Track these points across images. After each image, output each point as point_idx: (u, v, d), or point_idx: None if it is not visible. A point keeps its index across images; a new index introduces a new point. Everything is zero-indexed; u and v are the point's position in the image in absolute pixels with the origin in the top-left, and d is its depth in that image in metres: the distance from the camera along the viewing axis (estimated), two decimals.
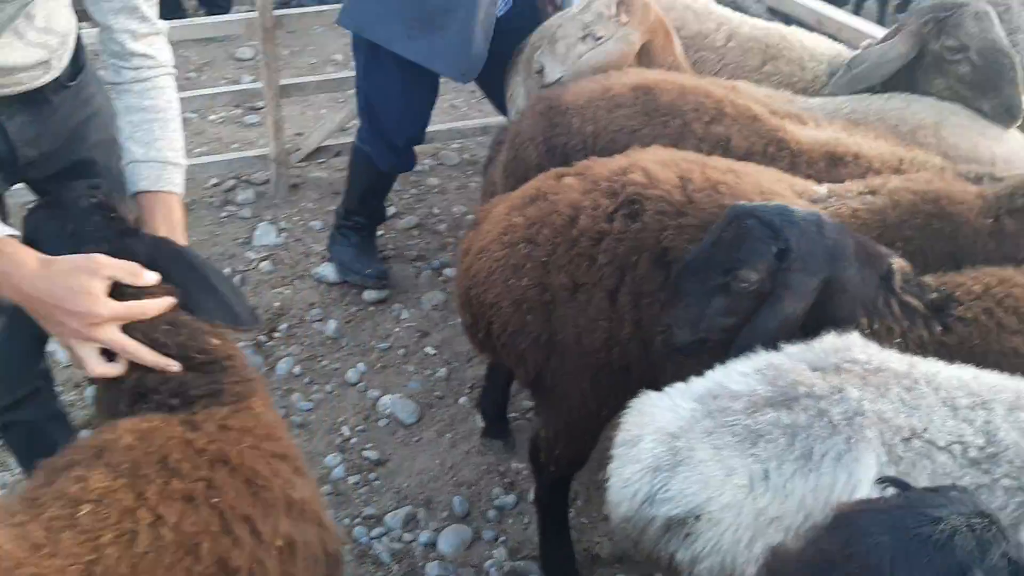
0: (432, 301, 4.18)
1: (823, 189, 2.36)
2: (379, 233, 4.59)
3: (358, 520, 3.18)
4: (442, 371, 3.81)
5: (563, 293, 2.38)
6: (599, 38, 3.11)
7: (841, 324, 1.88)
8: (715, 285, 2.02)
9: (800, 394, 1.63)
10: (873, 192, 2.31)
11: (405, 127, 3.87)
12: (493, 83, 3.81)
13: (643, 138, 2.68)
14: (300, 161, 4.96)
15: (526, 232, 2.41)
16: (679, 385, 1.81)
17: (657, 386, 2.16)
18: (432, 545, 3.09)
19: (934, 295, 2.03)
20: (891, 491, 1.29)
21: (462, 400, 3.68)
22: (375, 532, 3.14)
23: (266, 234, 4.57)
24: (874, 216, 2.26)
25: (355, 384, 3.76)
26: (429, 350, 3.93)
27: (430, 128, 4.11)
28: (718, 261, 2.02)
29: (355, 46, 3.79)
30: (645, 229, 2.30)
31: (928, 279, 2.09)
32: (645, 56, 3.23)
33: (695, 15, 3.65)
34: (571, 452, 2.73)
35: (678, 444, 1.63)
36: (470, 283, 2.52)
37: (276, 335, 4.00)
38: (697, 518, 1.58)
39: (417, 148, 4.11)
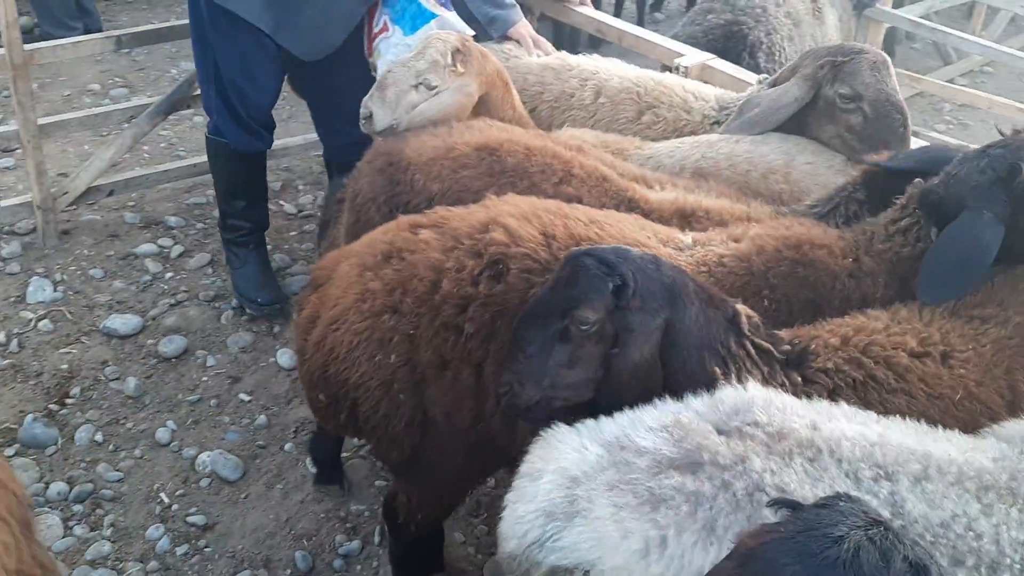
0: (239, 343, 3.97)
1: (688, 238, 2.35)
2: (168, 275, 4.32)
3: None
4: (261, 418, 3.63)
5: (431, 370, 2.24)
6: (433, 87, 2.99)
7: (691, 374, 1.88)
8: (555, 331, 1.93)
9: (705, 461, 1.62)
10: (736, 240, 2.31)
11: (254, 100, 3.77)
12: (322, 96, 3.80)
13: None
14: (68, 205, 4.54)
15: (387, 300, 2.23)
16: (589, 423, 1.77)
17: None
18: None
19: (787, 347, 2.02)
20: (782, 512, 1.35)
21: (287, 446, 3.52)
22: None
23: (40, 289, 4.16)
24: (740, 263, 2.26)
25: (167, 444, 3.50)
26: (243, 396, 3.73)
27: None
28: (555, 304, 1.95)
29: (211, 21, 3.58)
30: (511, 290, 2.19)
31: (780, 333, 2.07)
32: (483, 107, 3.12)
33: (555, 75, 3.53)
34: (436, 514, 2.65)
35: (577, 492, 1.61)
36: (325, 359, 2.28)
37: (69, 401, 3.65)
38: (586, 573, 1.58)
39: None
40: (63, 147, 5.14)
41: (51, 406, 3.63)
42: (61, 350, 3.88)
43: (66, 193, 4.52)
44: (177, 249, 4.53)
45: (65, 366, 3.80)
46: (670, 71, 3.70)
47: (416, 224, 2.36)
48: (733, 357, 1.92)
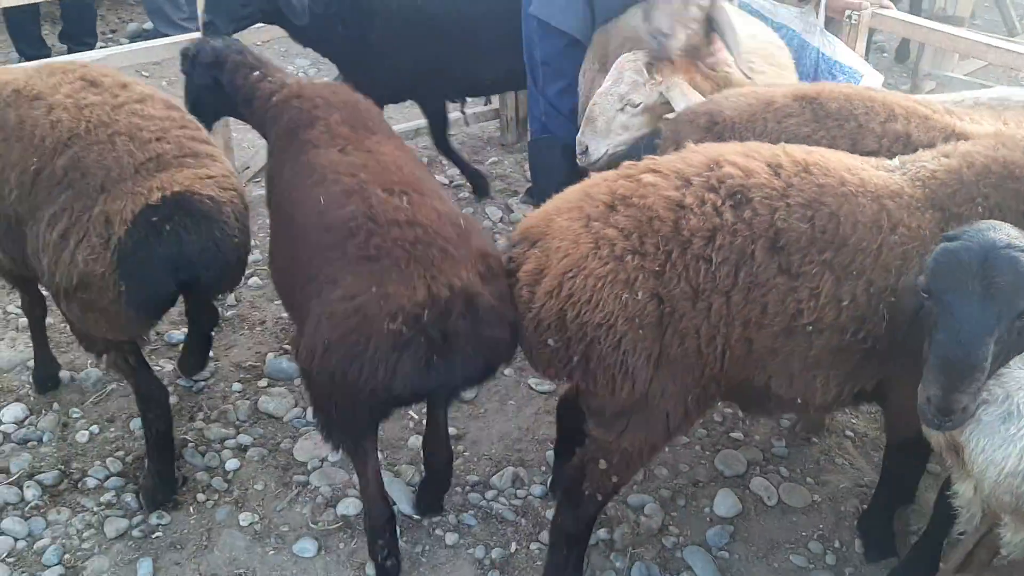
0: None
1: (895, 160, 2.59)
2: None
3: (467, 488, 3.37)
4: None
5: (683, 303, 2.32)
6: (638, 104, 3.28)
7: None
8: (1006, 333, 2.08)
9: None
10: (946, 155, 2.49)
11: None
12: None
13: (818, 142, 2.71)
14: (251, 179, 4.94)
15: (627, 243, 2.32)
16: None
17: (746, 388, 2.47)
18: (545, 496, 3.34)
19: None
20: None
21: (507, 371, 3.92)
22: (488, 495, 3.34)
23: None
24: (951, 175, 2.44)
25: None
26: None
27: None
28: (1005, 309, 2.06)
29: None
30: (756, 215, 2.32)
31: None
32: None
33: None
34: (627, 478, 2.69)
35: None
36: (561, 305, 2.34)
37: None
38: None
39: None
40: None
41: (284, 346, 4.03)
42: (275, 302, 4.27)
43: (247, 168, 4.92)
44: None
45: (284, 315, 4.19)
46: None
47: (628, 174, 2.49)
48: None
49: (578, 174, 4.06)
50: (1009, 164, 2.48)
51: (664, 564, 3.08)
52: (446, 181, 5.42)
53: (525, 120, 5.57)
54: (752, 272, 2.31)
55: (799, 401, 2.53)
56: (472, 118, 5.85)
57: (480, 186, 5.17)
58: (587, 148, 3.42)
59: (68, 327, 3.25)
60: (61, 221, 2.68)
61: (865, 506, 3.23)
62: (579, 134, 3.44)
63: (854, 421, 3.65)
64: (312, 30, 4.38)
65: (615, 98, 3.35)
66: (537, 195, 4.56)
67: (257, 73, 3.35)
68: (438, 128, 4.99)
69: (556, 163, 4.26)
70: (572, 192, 2.56)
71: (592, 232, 2.36)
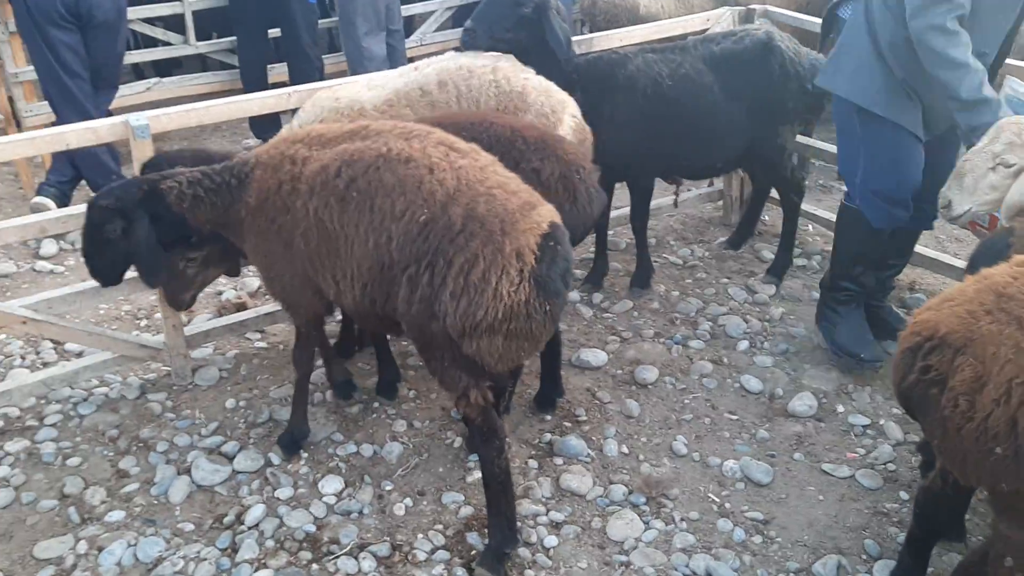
0: (701, 371, 4.44)
1: None
2: None
3: (791, 574, 3.35)
4: (762, 432, 4.06)
5: None
6: (1011, 165, 3.28)
7: None
8: None
9: None
10: None
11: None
12: None
13: None
14: None
15: None
16: None
17: None
18: None
19: None
20: None
21: (798, 456, 3.93)
22: None
23: None
24: None
25: (685, 455, 3.94)
26: (728, 416, 4.17)
27: None
28: None
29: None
30: None
31: None
32: None
33: None
34: None
35: None
36: (1015, 411, 2.35)
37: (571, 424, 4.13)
38: None
39: None
40: None
41: (579, 427, 4.12)
42: None
43: None
44: (598, 296, 5.09)
45: (567, 395, 4.29)
46: None
47: None
48: None
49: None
50: None
51: None
52: (679, 261, 5.51)
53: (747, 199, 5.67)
54: None
55: None
56: (696, 199, 5.96)
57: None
58: (951, 203, 3.42)
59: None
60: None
61: None
62: (944, 188, 3.46)
63: None
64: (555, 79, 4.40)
65: (988, 156, 3.34)
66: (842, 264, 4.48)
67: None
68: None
69: (856, 236, 4.31)
70: (975, 294, 2.54)
71: None
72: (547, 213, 3.06)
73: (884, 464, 3.86)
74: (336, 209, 3.23)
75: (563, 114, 4.09)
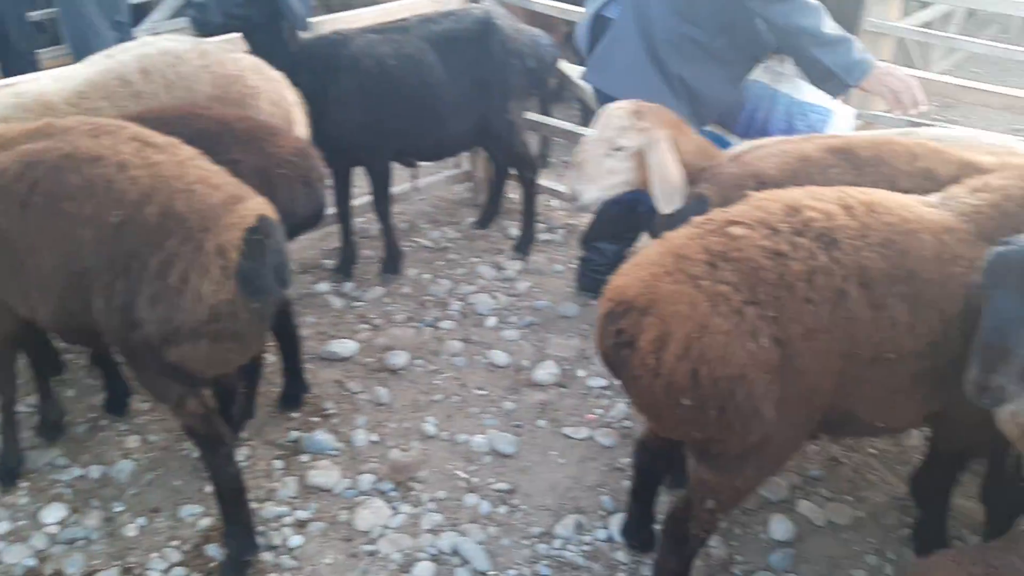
0: (451, 350, 4.48)
1: (933, 198, 2.84)
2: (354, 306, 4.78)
3: (534, 539, 3.45)
4: (508, 404, 4.15)
5: (800, 343, 2.48)
6: (621, 148, 3.41)
7: None
8: None
9: None
10: (982, 190, 2.80)
11: None
12: None
13: None
14: None
15: (742, 295, 2.46)
16: None
17: (838, 417, 2.66)
18: (610, 539, 3.46)
19: None
20: None
21: (541, 423, 4.05)
22: (556, 544, 3.43)
23: None
24: (994, 209, 2.75)
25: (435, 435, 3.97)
26: (477, 392, 4.24)
27: None
28: None
29: None
30: (845, 255, 2.52)
31: None
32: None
33: None
34: (729, 514, 2.90)
35: None
36: (693, 366, 2.44)
37: (331, 412, 4.07)
38: None
39: None
40: None
41: (327, 421, 4.04)
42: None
43: None
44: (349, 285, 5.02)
45: (315, 389, 4.20)
46: None
47: (711, 230, 2.63)
48: None
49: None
50: None
51: None
52: (431, 244, 5.53)
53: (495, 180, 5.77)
54: (848, 308, 2.52)
55: (882, 425, 2.74)
56: (445, 181, 6.00)
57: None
58: (577, 193, 3.53)
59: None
60: None
61: (906, 518, 3.47)
62: (569, 179, 3.57)
63: (874, 440, 3.91)
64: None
65: (602, 143, 3.47)
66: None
67: None
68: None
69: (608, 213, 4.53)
70: (658, 256, 2.63)
71: (704, 291, 2.48)
72: (255, 206, 2.94)
73: (620, 422, 4.04)
74: (18, 217, 2.97)
75: (288, 97, 3.99)
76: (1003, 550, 2.44)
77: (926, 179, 3.03)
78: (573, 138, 5.63)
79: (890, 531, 3.48)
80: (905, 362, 2.61)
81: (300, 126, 4.00)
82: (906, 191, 2.96)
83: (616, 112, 3.50)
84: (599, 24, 4.25)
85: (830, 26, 3.69)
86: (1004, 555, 2.39)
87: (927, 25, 7.84)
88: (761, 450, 2.62)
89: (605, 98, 4.23)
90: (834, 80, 3.74)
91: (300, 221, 3.52)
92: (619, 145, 3.45)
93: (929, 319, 2.59)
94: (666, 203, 3.40)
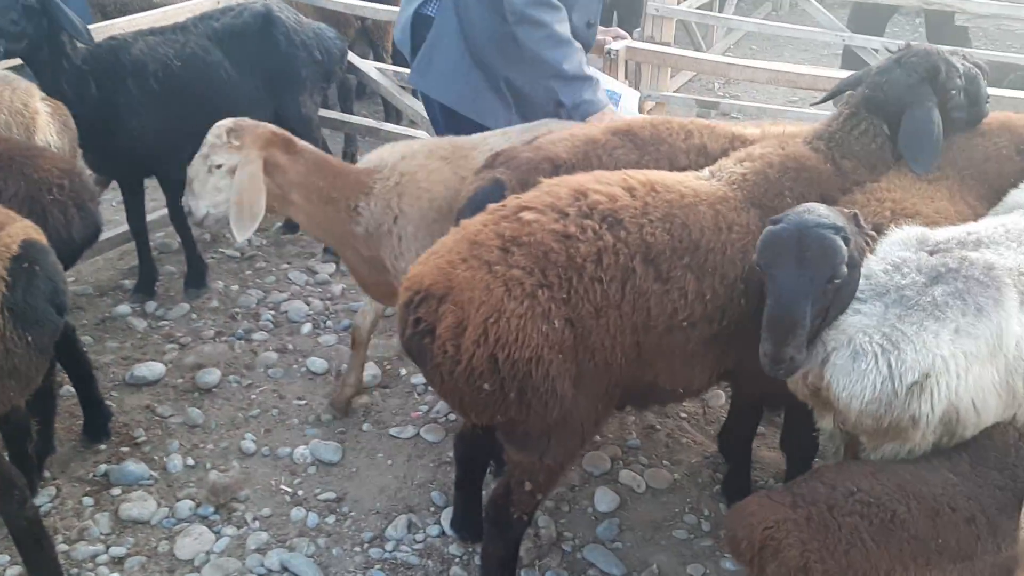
0: (266, 363, 4.35)
1: (705, 172, 3.04)
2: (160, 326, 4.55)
3: (366, 545, 3.41)
4: (326, 415, 4.07)
5: (590, 321, 2.57)
6: (219, 165, 3.37)
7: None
8: (819, 296, 2.44)
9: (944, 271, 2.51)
10: (747, 160, 3.02)
11: None
12: None
13: (645, 167, 3.03)
14: None
15: (533, 279, 2.51)
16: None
17: (639, 387, 2.80)
18: (443, 534, 3.47)
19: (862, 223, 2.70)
20: None
21: (365, 426, 4.00)
22: (388, 547, 3.41)
23: None
24: (759, 176, 2.92)
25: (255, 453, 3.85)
26: (296, 402, 4.14)
27: None
28: (818, 274, 2.44)
29: None
30: (629, 233, 2.63)
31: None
32: (273, 168, 3.39)
33: None
34: (548, 493, 2.90)
35: (885, 331, 2.46)
36: (491, 350, 2.47)
37: (142, 440, 3.86)
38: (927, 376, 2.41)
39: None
40: None
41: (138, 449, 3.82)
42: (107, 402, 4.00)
43: None
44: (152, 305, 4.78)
45: (123, 417, 3.98)
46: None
47: (504, 216, 2.67)
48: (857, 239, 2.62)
49: None
50: (799, 158, 3.03)
51: (571, 567, 3.33)
52: (237, 254, 5.34)
53: None
54: (635, 284, 2.62)
55: (681, 390, 2.89)
56: None
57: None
58: (190, 209, 3.50)
59: None
60: None
61: (719, 474, 3.69)
62: (184, 196, 3.52)
63: (684, 405, 4.12)
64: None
65: (202, 161, 3.44)
66: None
67: None
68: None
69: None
70: (454, 244, 2.66)
71: (498, 276, 2.52)
72: (19, 231, 2.74)
73: (445, 416, 4.06)
74: None
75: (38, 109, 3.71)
76: (805, 481, 2.62)
77: (700, 155, 3.22)
78: (378, 135, 5.61)
79: (704, 488, 3.69)
80: (698, 328, 2.75)
81: (43, 134, 3.71)
82: (684, 167, 3.14)
83: (215, 129, 3.44)
84: (420, 23, 4.12)
85: (574, 64, 3.73)
86: (807, 483, 2.57)
87: (706, 7, 8.31)
88: (564, 427, 2.68)
89: (429, 102, 4.21)
90: (563, 109, 3.84)
91: (78, 245, 3.30)
92: (216, 162, 3.40)
93: (714, 285, 2.74)
94: (238, 228, 3.32)
